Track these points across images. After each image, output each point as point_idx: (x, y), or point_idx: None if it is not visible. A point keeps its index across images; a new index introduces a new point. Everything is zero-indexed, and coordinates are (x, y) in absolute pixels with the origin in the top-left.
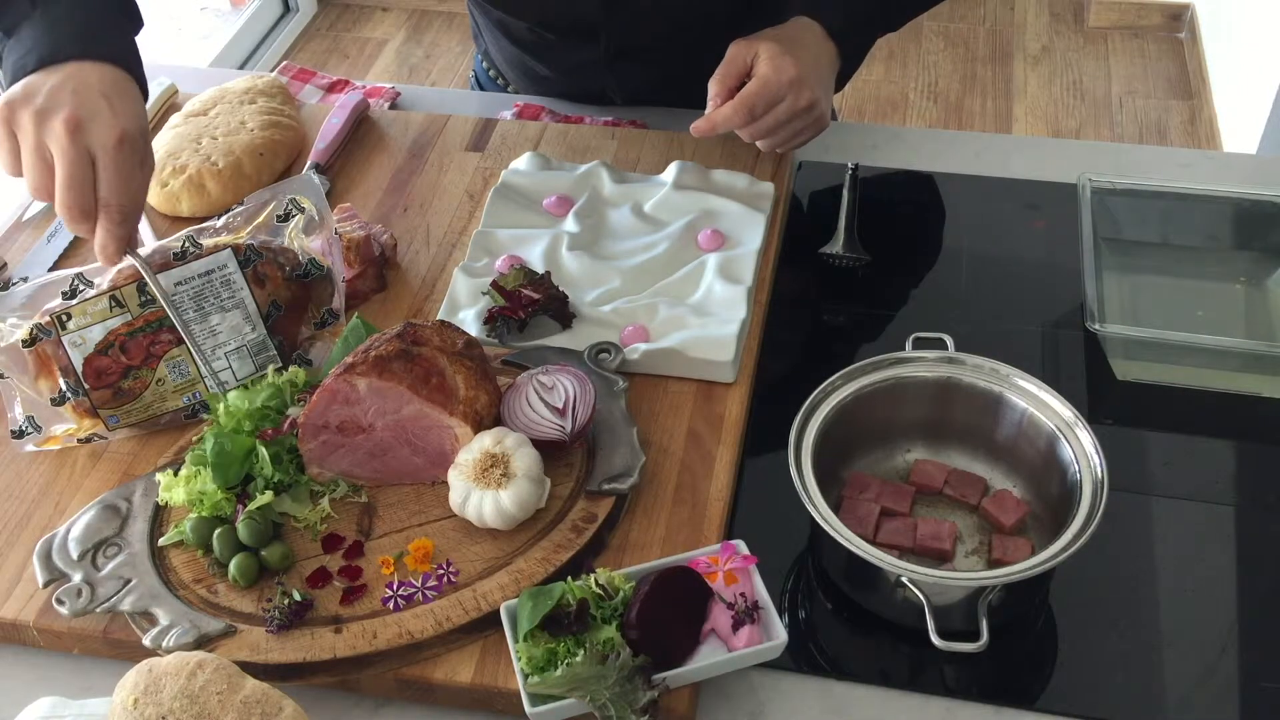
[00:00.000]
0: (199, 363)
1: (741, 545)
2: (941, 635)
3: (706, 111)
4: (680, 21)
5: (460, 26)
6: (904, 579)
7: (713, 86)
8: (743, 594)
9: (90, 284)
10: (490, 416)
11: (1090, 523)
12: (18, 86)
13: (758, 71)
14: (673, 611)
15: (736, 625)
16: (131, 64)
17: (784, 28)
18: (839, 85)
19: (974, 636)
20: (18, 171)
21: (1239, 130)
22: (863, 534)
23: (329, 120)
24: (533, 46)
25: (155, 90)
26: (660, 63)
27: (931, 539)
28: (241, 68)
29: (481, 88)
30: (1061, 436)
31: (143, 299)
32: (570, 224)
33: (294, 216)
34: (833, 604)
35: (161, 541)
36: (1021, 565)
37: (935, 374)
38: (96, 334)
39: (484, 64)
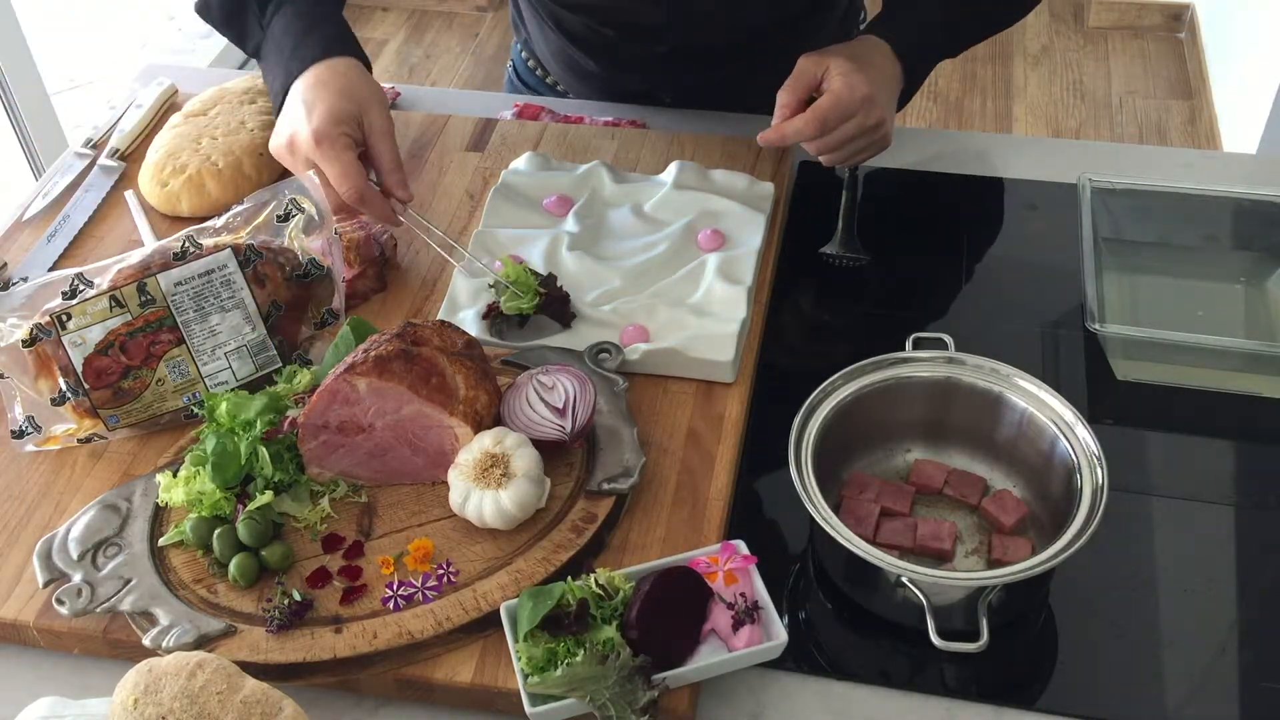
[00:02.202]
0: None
1: (741, 545)
2: (941, 635)
3: (775, 122)
4: (742, 27)
5: (460, 26)
6: (904, 579)
7: (782, 97)
8: (743, 594)
9: (90, 284)
10: (490, 416)
11: (1090, 523)
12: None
13: (831, 86)
14: (673, 611)
15: (736, 625)
16: (341, 47)
17: (854, 45)
18: (898, 108)
19: (974, 636)
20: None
21: (1239, 130)
22: (863, 534)
23: None
24: (585, 42)
25: (155, 90)
26: (714, 66)
27: (931, 539)
28: (242, 68)
29: (519, 78)
30: (1061, 436)
31: (143, 299)
32: (570, 224)
33: (294, 216)
34: (833, 604)
35: (161, 541)
36: (1021, 565)
37: (935, 374)
38: (96, 334)
39: (523, 54)
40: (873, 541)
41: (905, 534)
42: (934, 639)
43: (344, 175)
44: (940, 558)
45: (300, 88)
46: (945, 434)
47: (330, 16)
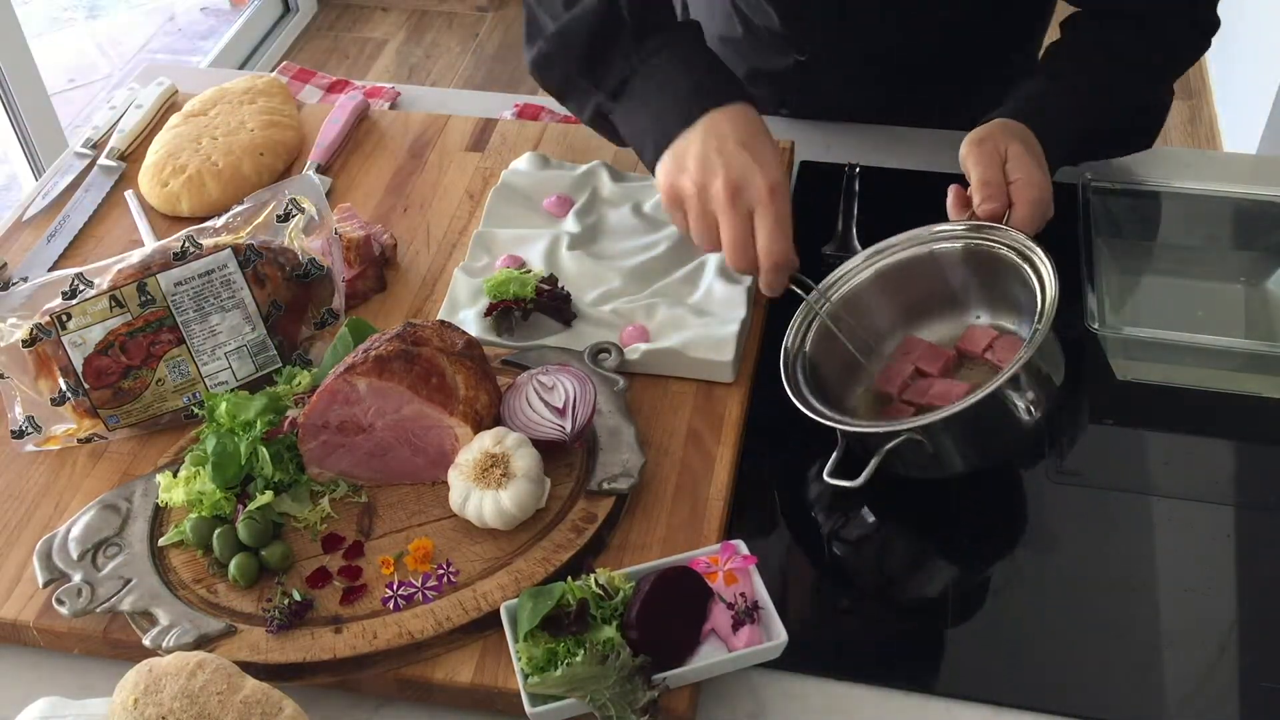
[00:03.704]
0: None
1: (741, 545)
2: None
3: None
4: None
5: (460, 26)
6: (824, 423)
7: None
8: (743, 594)
9: (90, 284)
10: (490, 416)
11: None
12: (668, 159)
13: (1029, 196)
14: (673, 611)
15: (736, 625)
16: (743, 94)
17: (1028, 135)
18: None
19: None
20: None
21: (1239, 130)
22: (889, 391)
23: (329, 120)
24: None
25: (155, 90)
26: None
27: (938, 398)
28: (241, 68)
29: None
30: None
31: (143, 299)
32: (570, 224)
33: (294, 216)
34: (833, 604)
35: (161, 541)
36: (919, 419)
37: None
38: (96, 334)
39: None
40: (898, 399)
41: (922, 393)
42: (825, 476)
43: (783, 231)
44: None
45: (718, 129)
46: (1002, 301)
47: (720, 65)
